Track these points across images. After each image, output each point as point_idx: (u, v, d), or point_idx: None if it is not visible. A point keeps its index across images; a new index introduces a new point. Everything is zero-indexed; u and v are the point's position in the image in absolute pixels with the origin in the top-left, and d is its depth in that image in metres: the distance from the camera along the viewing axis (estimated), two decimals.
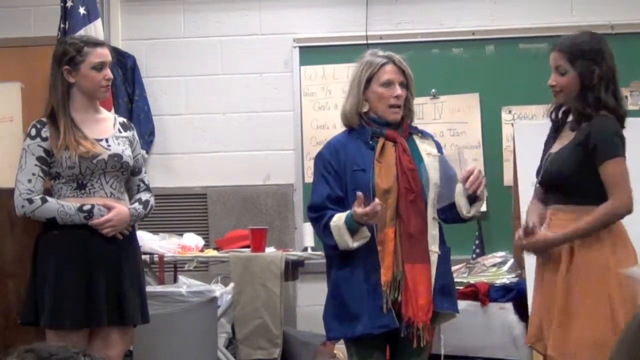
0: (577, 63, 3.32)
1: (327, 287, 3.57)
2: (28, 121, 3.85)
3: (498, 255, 5.38)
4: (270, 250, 5.43)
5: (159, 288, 4.71)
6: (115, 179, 3.61)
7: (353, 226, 3.36)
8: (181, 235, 5.61)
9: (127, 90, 6.10)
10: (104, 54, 3.62)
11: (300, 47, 6.11)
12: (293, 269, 5.55)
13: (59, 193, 3.56)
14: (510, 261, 5.23)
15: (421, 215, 3.47)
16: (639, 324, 1.86)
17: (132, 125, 3.81)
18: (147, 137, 6.08)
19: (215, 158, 6.16)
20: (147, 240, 5.29)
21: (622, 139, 3.31)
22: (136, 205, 3.68)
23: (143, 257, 4.29)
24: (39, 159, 3.53)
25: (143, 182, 3.76)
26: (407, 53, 3.71)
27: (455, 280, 4.89)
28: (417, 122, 3.70)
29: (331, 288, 3.54)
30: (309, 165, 5.88)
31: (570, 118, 3.45)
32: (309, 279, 5.82)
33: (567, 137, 3.40)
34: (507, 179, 5.65)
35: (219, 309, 4.94)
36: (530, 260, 4.70)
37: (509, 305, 4.89)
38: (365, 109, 3.54)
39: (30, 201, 3.50)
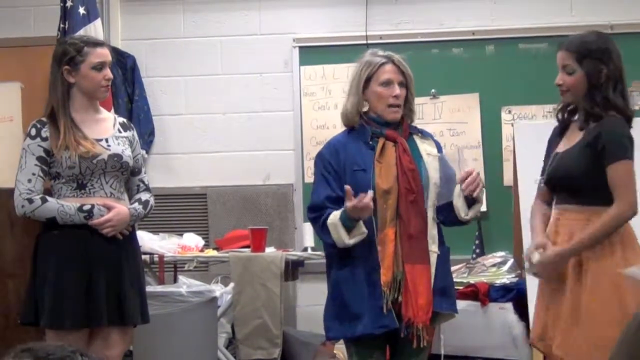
0: (584, 62, 3.31)
1: (327, 288, 3.57)
2: (28, 121, 3.85)
3: (498, 255, 5.38)
4: (270, 250, 5.43)
5: (159, 288, 4.71)
6: (115, 179, 3.61)
7: (347, 222, 3.36)
8: (181, 235, 5.61)
9: (127, 90, 6.10)
10: (104, 54, 3.62)
11: (300, 47, 6.11)
12: (293, 269, 5.55)
13: (58, 193, 3.56)
14: (510, 261, 5.24)
15: (421, 216, 3.47)
16: (638, 324, 1.86)
17: (132, 125, 3.81)
18: (147, 137, 6.08)
19: (215, 158, 6.16)
20: (147, 240, 5.29)
21: (631, 141, 3.29)
22: (136, 205, 3.68)
23: (143, 257, 4.29)
24: (39, 158, 3.53)
25: (143, 182, 3.76)
26: (407, 53, 3.71)
27: (455, 280, 4.90)
28: (417, 122, 3.70)
29: (331, 288, 3.54)
30: (309, 165, 5.88)
31: (576, 117, 3.43)
32: (309, 279, 5.82)
33: (574, 137, 3.38)
34: (507, 179, 5.65)
35: (219, 309, 4.95)
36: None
37: (509, 305, 4.89)
38: (365, 109, 3.55)
39: (30, 201, 3.50)
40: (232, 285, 5.11)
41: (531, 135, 4.99)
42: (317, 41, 6.10)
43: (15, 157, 3.64)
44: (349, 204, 3.32)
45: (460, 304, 4.72)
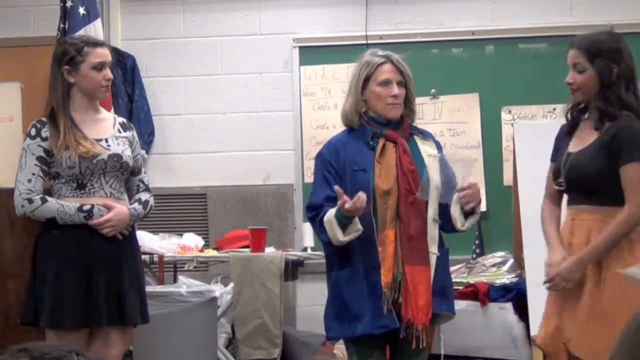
0: (595, 61, 3.30)
1: (327, 288, 3.57)
2: (28, 121, 3.85)
3: (498, 255, 5.38)
4: (270, 250, 5.43)
5: (159, 288, 4.71)
6: (115, 179, 3.61)
7: (342, 220, 3.36)
8: (181, 235, 5.61)
9: (127, 90, 6.10)
10: (104, 54, 3.62)
11: (300, 47, 6.11)
12: (293, 269, 5.55)
13: (58, 193, 3.56)
14: (510, 261, 5.24)
15: (421, 217, 3.47)
16: (638, 324, 1.85)
17: (131, 125, 3.80)
18: (146, 137, 6.08)
19: (215, 158, 6.16)
20: (147, 240, 5.29)
21: None
22: (136, 205, 3.68)
23: (143, 257, 4.29)
24: (38, 158, 3.53)
25: (143, 182, 3.76)
26: (406, 53, 3.71)
27: (455, 280, 4.91)
28: (417, 122, 3.69)
29: (331, 288, 3.54)
30: (309, 165, 5.88)
31: (585, 116, 3.41)
32: (308, 279, 5.82)
33: (587, 136, 3.37)
34: (507, 179, 5.65)
35: (218, 309, 4.94)
36: (531, 261, 4.73)
37: (509, 305, 4.89)
38: (364, 109, 3.55)
39: (30, 201, 3.50)
40: (231, 285, 5.11)
41: (531, 135, 4.99)
42: (317, 41, 6.10)
43: (15, 157, 3.64)
44: (339, 202, 3.32)
45: (460, 304, 4.75)
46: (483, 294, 4.91)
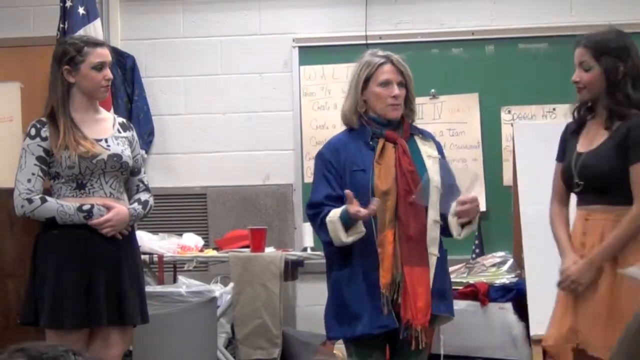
0: (602, 59, 3.29)
1: (327, 288, 3.57)
2: (27, 121, 3.85)
3: (497, 255, 5.38)
4: (269, 250, 5.43)
5: (159, 288, 4.71)
6: (115, 179, 3.61)
7: (348, 221, 3.36)
8: (181, 235, 5.61)
9: (127, 90, 6.10)
10: (104, 54, 3.62)
11: (300, 47, 6.11)
12: (292, 269, 5.55)
13: (58, 193, 3.56)
14: (510, 261, 5.24)
15: (421, 218, 3.46)
16: (639, 325, 1.85)
17: (131, 125, 3.80)
18: (146, 137, 6.08)
19: (215, 158, 6.16)
20: (146, 240, 5.29)
21: None
22: (135, 205, 3.68)
23: (142, 257, 4.30)
24: (38, 158, 3.53)
25: (142, 182, 3.76)
26: (406, 53, 3.72)
27: (455, 280, 4.91)
28: (417, 122, 3.69)
29: (331, 288, 3.54)
30: (309, 165, 5.88)
31: (589, 117, 3.41)
32: (308, 279, 5.82)
33: (596, 136, 3.36)
34: (507, 179, 5.65)
35: (218, 309, 4.94)
36: (530, 261, 4.73)
37: (509, 305, 4.89)
38: (364, 109, 3.54)
39: (30, 201, 3.50)
40: (231, 285, 5.10)
41: (531, 135, 5.00)
42: (316, 41, 6.09)
43: (15, 157, 3.64)
44: (352, 209, 3.31)
45: (460, 304, 4.75)
46: (483, 294, 4.91)
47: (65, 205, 3.50)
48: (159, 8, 6.22)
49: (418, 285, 3.40)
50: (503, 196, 5.58)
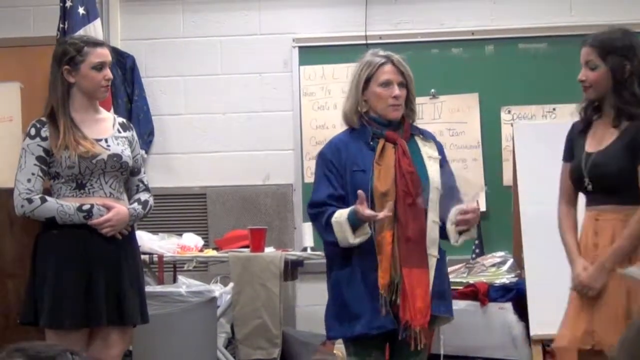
0: (608, 58, 3.29)
1: (327, 288, 3.57)
2: (27, 121, 3.85)
3: (497, 255, 5.38)
4: (269, 250, 5.43)
5: (159, 288, 4.71)
6: (115, 179, 3.61)
7: (356, 222, 3.37)
8: (180, 235, 5.61)
9: (127, 90, 6.10)
10: (104, 54, 3.62)
11: (300, 47, 6.11)
12: (292, 269, 5.55)
13: (58, 193, 3.56)
14: (510, 261, 5.24)
15: (420, 219, 3.46)
16: None
17: (131, 125, 3.80)
18: (146, 137, 6.08)
19: (215, 158, 6.16)
20: (146, 240, 5.29)
21: None
22: (135, 205, 3.67)
23: (142, 257, 4.30)
24: (38, 158, 3.53)
25: (142, 182, 3.76)
26: (406, 53, 3.71)
27: (455, 280, 4.91)
28: (417, 122, 3.69)
29: (331, 288, 3.54)
30: (309, 165, 5.88)
31: (595, 117, 3.40)
32: (308, 279, 5.82)
33: (605, 136, 3.36)
34: (507, 179, 5.65)
35: (218, 309, 4.94)
36: (530, 261, 4.73)
37: (509, 305, 4.89)
38: (365, 109, 3.54)
39: (30, 201, 3.50)
40: (231, 285, 5.10)
41: (531, 135, 5.00)
42: (316, 41, 6.10)
43: (15, 157, 3.64)
44: (367, 212, 3.31)
45: (460, 304, 4.75)
46: (483, 294, 4.91)
47: (65, 205, 3.50)
48: (159, 8, 6.22)
49: (417, 287, 3.40)
50: (503, 196, 5.58)
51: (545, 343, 4.76)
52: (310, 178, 5.75)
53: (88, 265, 3.50)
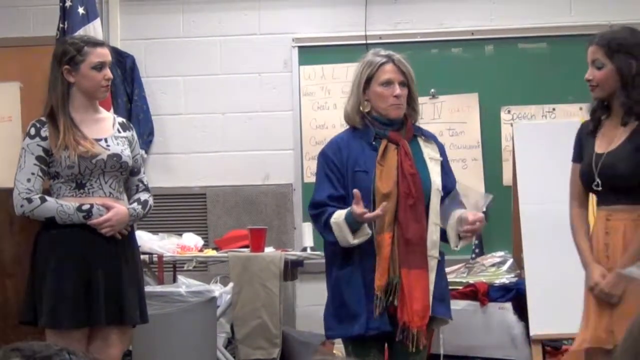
0: (615, 57, 3.29)
1: (327, 287, 3.57)
2: (27, 121, 3.85)
3: (497, 255, 5.38)
4: (269, 250, 5.43)
5: (158, 288, 4.71)
6: (114, 179, 3.61)
7: (353, 223, 3.36)
8: (180, 235, 5.61)
9: (126, 90, 6.10)
10: (104, 54, 3.62)
11: (300, 47, 6.11)
12: (292, 269, 5.55)
13: (58, 192, 3.56)
14: (510, 261, 5.23)
15: (420, 221, 3.46)
16: None
17: (131, 125, 3.81)
18: (146, 137, 6.08)
19: (215, 158, 6.16)
20: (146, 240, 5.29)
21: None
22: (135, 205, 3.67)
23: (142, 257, 4.30)
24: (38, 158, 3.53)
25: (142, 182, 3.76)
26: (406, 53, 3.71)
27: (455, 280, 4.92)
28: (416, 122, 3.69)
29: (331, 288, 3.54)
30: (308, 165, 5.88)
31: (604, 116, 3.40)
32: (308, 278, 5.82)
33: (615, 136, 3.35)
34: (507, 179, 5.65)
35: (218, 309, 4.94)
36: (530, 261, 4.73)
37: (509, 305, 4.89)
38: (367, 109, 3.54)
39: (30, 200, 3.50)
40: (231, 285, 5.10)
41: (530, 135, 5.00)
42: (316, 41, 6.09)
43: (14, 157, 3.64)
44: (358, 210, 3.31)
45: (460, 304, 4.75)
46: (482, 294, 4.91)
47: (64, 205, 3.50)
48: (159, 8, 6.22)
49: (415, 288, 3.40)
50: (503, 196, 5.56)
51: (545, 343, 4.77)
52: (310, 178, 5.75)
53: (88, 265, 3.51)
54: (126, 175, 3.68)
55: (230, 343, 5.36)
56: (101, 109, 3.74)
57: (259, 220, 5.91)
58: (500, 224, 5.58)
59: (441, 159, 3.59)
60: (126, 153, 3.63)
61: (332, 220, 3.40)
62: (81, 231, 3.51)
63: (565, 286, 4.35)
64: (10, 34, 6.20)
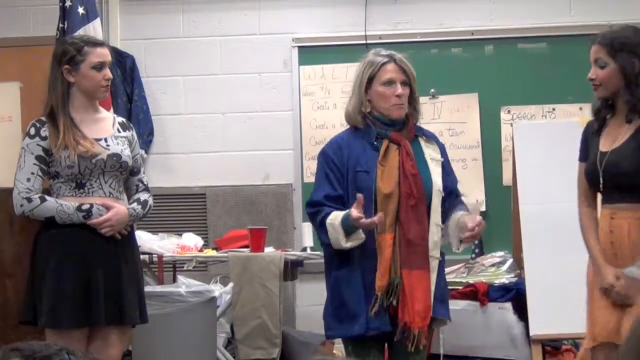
0: (617, 56, 3.29)
1: (326, 287, 3.57)
2: (27, 121, 3.85)
3: (497, 255, 5.38)
4: (269, 250, 5.43)
5: (158, 288, 4.71)
6: (114, 179, 3.61)
7: (349, 227, 3.36)
8: (180, 235, 5.61)
9: (126, 90, 6.10)
10: (104, 54, 3.62)
11: (299, 47, 6.10)
12: (292, 269, 5.55)
13: (57, 192, 3.56)
14: (509, 261, 5.23)
15: (422, 221, 3.46)
16: None
17: (131, 125, 3.81)
18: (146, 137, 6.08)
19: (215, 158, 6.16)
20: (146, 240, 5.29)
21: None
22: (135, 205, 3.67)
23: (142, 257, 4.30)
24: (38, 158, 3.53)
25: (142, 182, 3.76)
26: (406, 53, 3.71)
27: (455, 280, 4.92)
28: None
29: (330, 288, 3.55)
30: (308, 165, 5.88)
31: (609, 115, 3.40)
32: (308, 278, 5.81)
33: (619, 134, 3.36)
34: (506, 179, 5.65)
35: (218, 309, 4.94)
36: (530, 261, 4.73)
37: (508, 305, 4.88)
38: (368, 109, 3.54)
39: (29, 200, 3.50)
40: (231, 285, 5.10)
41: (530, 135, 4.99)
42: (316, 41, 6.09)
43: (14, 157, 3.64)
44: (354, 213, 3.31)
45: (460, 304, 4.75)
46: (482, 294, 4.91)
47: (64, 204, 3.50)
48: (159, 8, 6.22)
49: (416, 289, 3.41)
50: (503, 196, 5.58)
51: (545, 343, 4.77)
52: (309, 178, 5.75)
53: (87, 265, 3.50)
54: (126, 175, 3.68)
55: (230, 343, 5.36)
56: (101, 108, 3.74)
57: (259, 220, 5.91)
58: (500, 224, 5.58)
59: (442, 159, 3.58)
60: (126, 153, 3.63)
61: (328, 221, 3.40)
62: (81, 231, 3.51)
63: (565, 286, 4.36)
64: (10, 34, 6.20)
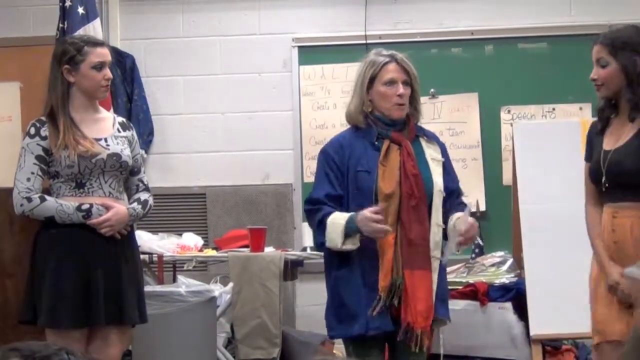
0: (619, 55, 3.29)
1: (327, 287, 3.57)
2: (27, 121, 3.85)
3: (497, 255, 5.38)
4: (269, 250, 5.43)
5: (158, 288, 4.70)
6: (114, 179, 3.61)
7: (351, 229, 3.36)
8: (180, 235, 5.61)
9: (126, 90, 6.10)
10: (104, 54, 3.62)
11: (299, 47, 6.10)
12: (292, 269, 5.55)
13: (57, 192, 3.56)
14: (510, 261, 5.23)
15: (423, 221, 3.46)
16: None
17: (131, 125, 3.81)
18: (146, 136, 6.08)
19: (214, 158, 6.16)
20: (146, 239, 5.29)
21: None
22: (135, 205, 3.67)
23: (142, 256, 4.30)
24: (38, 157, 3.53)
25: (142, 182, 3.76)
26: (406, 53, 3.71)
27: (455, 280, 4.92)
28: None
29: (330, 288, 3.54)
30: (308, 165, 5.88)
31: (613, 115, 3.40)
32: (308, 278, 5.81)
33: (622, 132, 3.36)
34: (506, 179, 5.65)
35: (218, 308, 4.94)
36: (530, 261, 4.73)
37: (508, 305, 4.89)
38: (370, 109, 3.54)
39: (29, 200, 3.50)
40: (231, 285, 5.10)
41: (530, 135, 5.00)
42: (316, 41, 6.09)
43: (14, 157, 3.64)
44: (368, 214, 3.31)
45: (460, 304, 4.75)
46: (482, 294, 4.91)
47: (64, 204, 3.50)
48: (159, 8, 6.22)
49: (419, 289, 3.41)
50: (503, 196, 5.58)
51: (545, 343, 4.77)
52: (309, 178, 5.75)
53: (87, 264, 3.50)
54: (126, 174, 3.68)
55: (230, 343, 5.36)
56: (101, 108, 3.74)
57: (258, 220, 5.91)
58: (500, 224, 5.59)
59: (443, 159, 3.58)
60: (126, 153, 3.63)
61: (330, 219, 3.40)
62: (81, 231, 3.51)
63: (565, 286, 4.36)
64: (10, 34, 6.20)
